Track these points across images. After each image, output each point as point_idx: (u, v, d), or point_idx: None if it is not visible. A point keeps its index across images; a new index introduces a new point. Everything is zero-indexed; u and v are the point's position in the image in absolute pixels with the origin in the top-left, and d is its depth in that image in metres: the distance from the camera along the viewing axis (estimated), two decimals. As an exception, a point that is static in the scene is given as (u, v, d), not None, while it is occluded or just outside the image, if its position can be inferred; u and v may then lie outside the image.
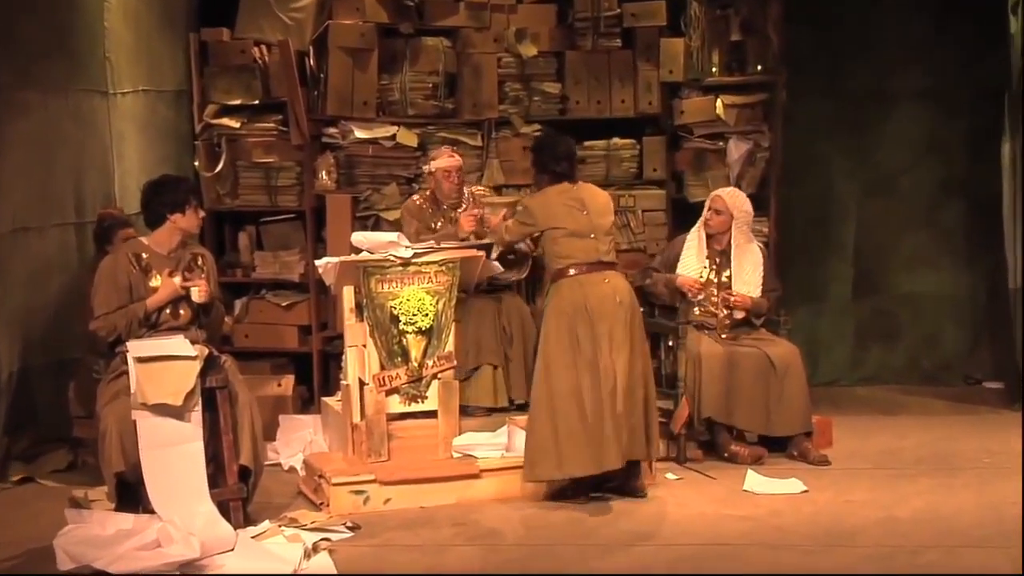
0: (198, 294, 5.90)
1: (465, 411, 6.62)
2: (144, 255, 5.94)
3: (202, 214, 6.07)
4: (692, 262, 6.96)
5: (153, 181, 6.08)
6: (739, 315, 6.95)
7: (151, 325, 5.87)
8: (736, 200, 7.01)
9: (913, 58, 8.47)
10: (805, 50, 8.36)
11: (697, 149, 8.16)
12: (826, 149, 8.60)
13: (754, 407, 6.76)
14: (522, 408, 6.77)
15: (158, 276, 5.90)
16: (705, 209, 7.06)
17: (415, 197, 7.31)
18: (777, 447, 6.84)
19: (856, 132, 8.58)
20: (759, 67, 8.10)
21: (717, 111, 8.04)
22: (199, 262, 6.05)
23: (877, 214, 8.63)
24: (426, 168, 7.33)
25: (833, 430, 7.07)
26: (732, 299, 6.90)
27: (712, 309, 6.96)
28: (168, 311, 5.90)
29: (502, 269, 6.94)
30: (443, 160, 7.19)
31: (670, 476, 6.51)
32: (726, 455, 6.73)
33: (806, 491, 6.25)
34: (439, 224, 7.08)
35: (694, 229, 7.07)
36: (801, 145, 8.40)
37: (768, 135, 8.06)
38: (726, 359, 6.74)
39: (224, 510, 5.59)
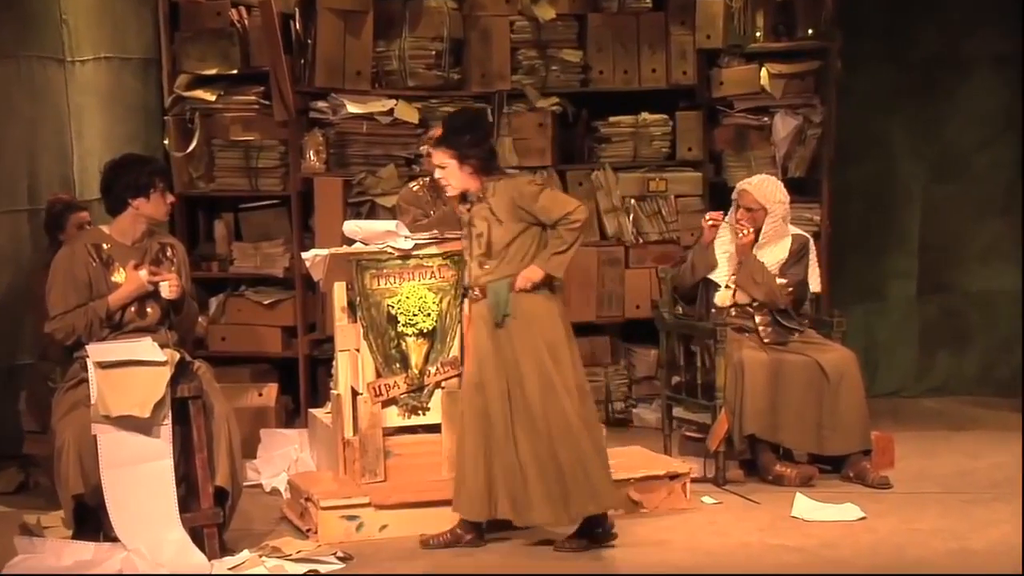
0: (168, 290, 5.90)
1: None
2: (105, 246, 5.94)
3: (171, 199, 6.07)
4: (725, 266, 6.91)
5: (114, 161, 6.08)
6: (742, 298, 6.88)
7: (114, 326, 5.87)
8: (766, 191, 6.90)
9: (988, 19, 8.46)
10: (863, 11, 8.36)
11: (738, 126, 8.16)
12: (887, 125, 8.60)
13: (804, 423, 6.74)
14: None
15: (122, 270, 5.91)
16: (733, 208, 6.98)
17: (412, 184, 7.29)
18: (831, 467, 6.83)
19: (922, 105, 8.58)
20: (810, 31, 8.09)
21: (762, 82, 8.04)
22: (168, 254, 6.05)
23: (946, 199, 8.63)
24: (424, 148, 7.32)
25: (895, 448, 7.05)
26: (741, 232, 6.83)
27: (750, 309, 6.92)
28: (133, 309, 5.90)
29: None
30: None
31: (707, 500, 6.51)
32: (770, 478, 6.71)
33: (864, 518, 6.23)
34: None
35: (724, 224, 6.98)
36: (858, 121, 8.40)
37: (820, 109, 8.05)
38: (771, 367, 6.72)
39: (197, 538, 5.59)
